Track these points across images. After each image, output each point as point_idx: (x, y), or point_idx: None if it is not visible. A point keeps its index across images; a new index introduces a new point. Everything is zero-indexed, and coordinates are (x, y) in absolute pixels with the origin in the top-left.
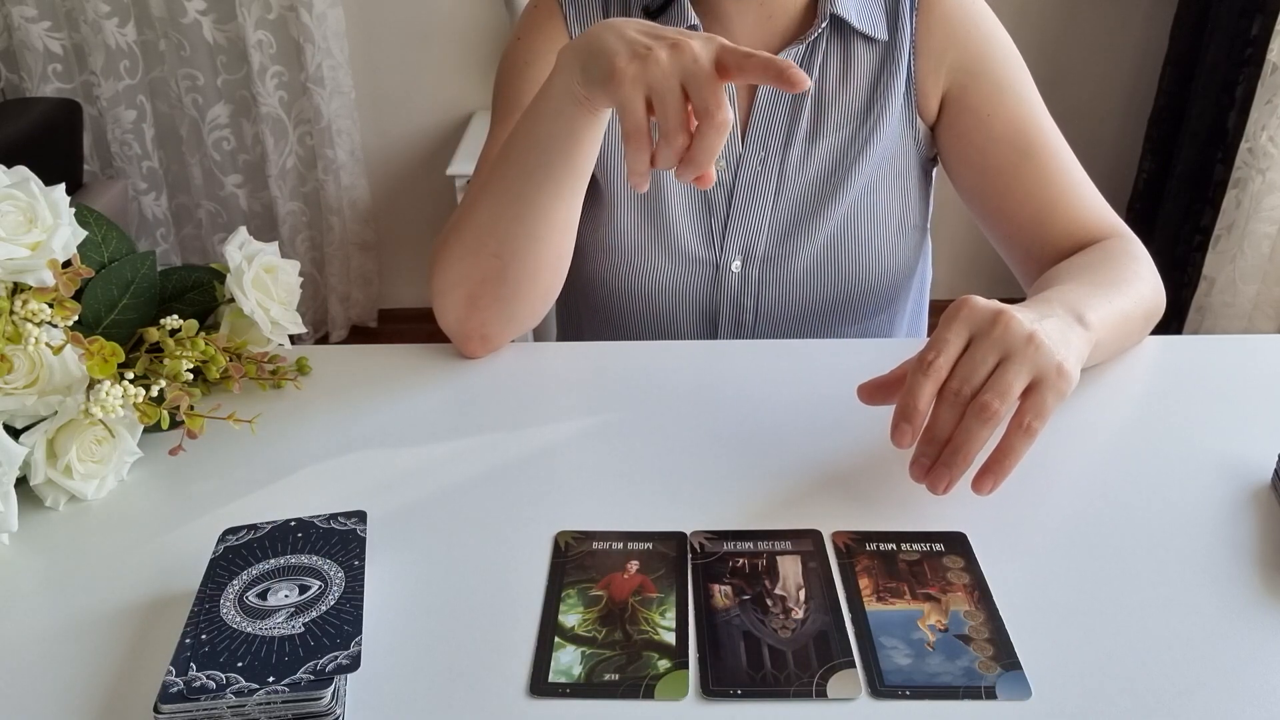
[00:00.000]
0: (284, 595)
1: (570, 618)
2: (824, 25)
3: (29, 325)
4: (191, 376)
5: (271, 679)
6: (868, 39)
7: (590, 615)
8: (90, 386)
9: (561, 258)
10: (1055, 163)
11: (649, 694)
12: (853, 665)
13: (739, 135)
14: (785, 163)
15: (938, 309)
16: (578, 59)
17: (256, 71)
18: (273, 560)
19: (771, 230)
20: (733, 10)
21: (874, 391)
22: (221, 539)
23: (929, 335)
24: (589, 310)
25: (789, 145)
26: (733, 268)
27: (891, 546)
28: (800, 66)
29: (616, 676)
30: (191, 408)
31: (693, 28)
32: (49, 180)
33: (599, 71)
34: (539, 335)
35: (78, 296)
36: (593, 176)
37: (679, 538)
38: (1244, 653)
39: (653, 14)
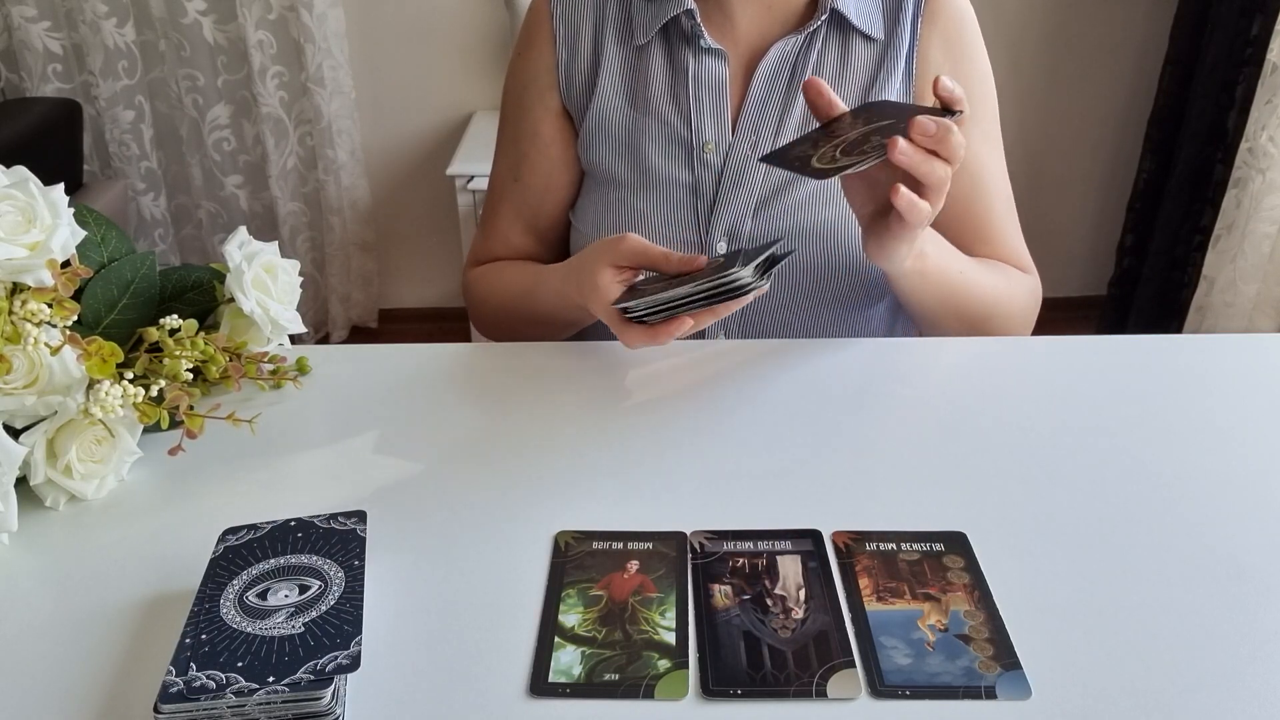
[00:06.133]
0: (284, 595)
1: (570, 618)
2: (824, 18)
3: (28, 325)
4: (191, 376)
5: (271, 679)
6: (866, 37)
7: (590, 615)
8: (90, 386)
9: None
10: (998, 202)
11: (649, 694)
12: (853, 665)
13: (729, 124)
14: (775, 149)
15: None
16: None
17: (257, 72)
18: (273, 560)
19: (756, 213)
20: None
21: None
22: (221, 539)
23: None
24: None
25: (779, 133)
26: (717, 249)
27: (891, 546)
28: (798, 56)
29: (616, 676)
30: (191, 408)
31: (688, 13)
32: (48, 180)
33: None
34: None
35: (77, 296)
36: (583, 167)
37: (679, 538)
38: (1244, 653)
39: (650, 0)
